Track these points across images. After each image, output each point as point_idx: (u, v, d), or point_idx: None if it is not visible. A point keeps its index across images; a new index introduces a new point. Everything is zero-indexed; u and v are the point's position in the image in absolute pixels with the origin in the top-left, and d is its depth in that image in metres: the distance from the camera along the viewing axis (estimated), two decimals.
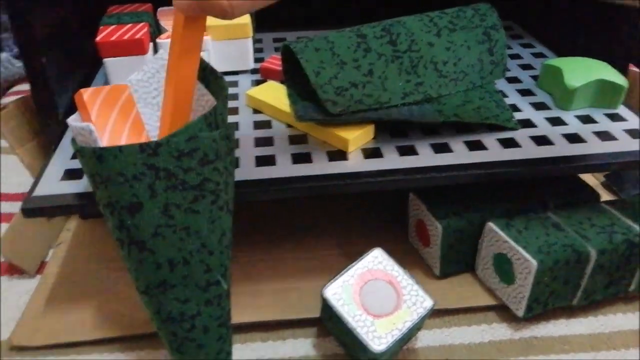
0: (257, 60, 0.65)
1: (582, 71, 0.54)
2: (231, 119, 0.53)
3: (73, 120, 0.36)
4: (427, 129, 0.51)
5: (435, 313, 0.49)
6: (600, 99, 0.55)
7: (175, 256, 0.35)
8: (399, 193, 0.53)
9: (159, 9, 0.61)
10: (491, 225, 0.49)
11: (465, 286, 0.52)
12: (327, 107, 0.47)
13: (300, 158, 0.47)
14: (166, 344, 0.38)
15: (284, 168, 0.45)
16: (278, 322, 0.49)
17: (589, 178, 0.68)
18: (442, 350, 0.47)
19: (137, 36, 0.53)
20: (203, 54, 0.58)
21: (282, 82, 0.56)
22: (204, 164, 0.34)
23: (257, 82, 0.60)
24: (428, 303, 0.43)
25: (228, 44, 0.59)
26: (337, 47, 0.48)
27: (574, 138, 0.50)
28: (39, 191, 0.43)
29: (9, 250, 0.54)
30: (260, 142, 0.49)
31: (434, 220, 0.50)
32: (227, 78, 0.61)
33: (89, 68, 0.62)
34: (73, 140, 0.36)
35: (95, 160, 0.32)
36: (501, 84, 0.60)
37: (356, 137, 0.47)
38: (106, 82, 0.57)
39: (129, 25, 0.56)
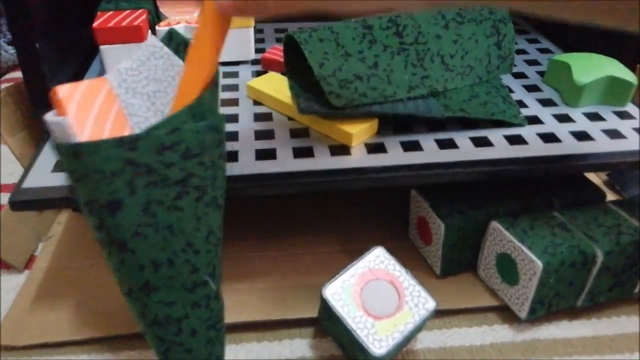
0: (258, 50, 0.63)
1: (591, 67, 0.53)
2: (231, 110, 0.51)
3: (50, 116, 0.35)
4: (432, 123, 0.50)
5: (435, 314, 0.48)
6: (609, 96, 0.53)
7: (159, 256, 0.33)
8: (400, 189, 0.52)
9: None
10: (495, 224, 0.48)
11: (466, 286, 0.51)
12: (330, 100, 0.45)
13: (302, 152, 0.45)
14: (153, 348, 0.36)
15: (285, 162, 0.44)
16: (274, 321, 0.48)
17: (591, 176, 0.67)
18: (442, 352, 0.46)
19: (136, 23, 0.52)
20: None
21: (283, 74, 0.55)
22: (187, 158, 0.32)
23: (258, 73, 0.58)
24: (430, 304, 0.42)
25: (229, 33, 0.57)
26: (342, 38, 0.47)
27: (581, 136, 0.49)
28: (29, 183, 0.41)
29: None
30: (261, 135, 0.48)
31: (437, 218, 0.49)
32: (227, 68, 0.59)
33: (85, 55, 0.60)
34: (52, 137, 0.34)
35: (71, 156, 0.30)
36: (507, 79, 0.59)
37: (359, 132, 0.46)
38: (102, 71, 0.55)
39: (128, 11, 0.54)
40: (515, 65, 0.61)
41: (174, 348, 0.35)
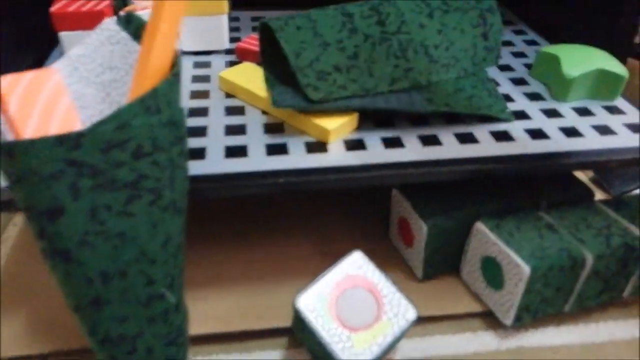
0: (233, 40, 0.60)
1: (581, 60, 0.51)
2: (200, 103, 0.48)
3: None
4: (415, 118, 0.47)
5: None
6: (599, 90, 0.51)
7: (109, 268, 0.30)
8: (381, 187, 0.49)
9: None
10: (480, 225, 0.46)
11: (449, 290, 0.49)
12: (307, 92, 0.43)
13: (276, 149, 0.42)
14: None
15: (257, 160, 0.41)
16: (244, 332, 0.44)
17: (577, 173, 0.65)
18: None
19: (98, 7, 0.48)
20: None
21: (259, 64, 0.51)
22: (139, 157, 0.29)
23: (232, 64, 0.55)
24: (411, 314, 0.39)
25: (200, 21, 0.54)
26: (320, 27, 0.44)
27: (570, 132, 0.47)
28: None
29: None
30: (232, 130, 0.44)
31: (419, 220, 0.46)
32: (199, 58, 0.56)
33: (46, 44, 0.56)
34: None
35: (6, 156, 0.27)
36: (492, 72, 0.56)
37: (338, 127, 0.43)
38: None
39: None
40: (501, 58, 0.59)
41: None
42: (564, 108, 0.50)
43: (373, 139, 0.44)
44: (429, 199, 0.48)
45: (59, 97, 0.34)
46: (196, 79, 0.52)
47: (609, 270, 0.44)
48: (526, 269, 0.41)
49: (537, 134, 0.46)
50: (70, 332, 0.43)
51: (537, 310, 0.45)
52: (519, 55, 0.61)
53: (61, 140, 0.27)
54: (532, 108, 0.50)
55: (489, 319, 0.47)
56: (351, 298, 0.39)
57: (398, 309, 0.39)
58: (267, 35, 0.45)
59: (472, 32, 0.49)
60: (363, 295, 0.39)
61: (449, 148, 0.43)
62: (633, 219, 0.47)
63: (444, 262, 0.49)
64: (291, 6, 0.69)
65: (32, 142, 0.26)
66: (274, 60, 0.46)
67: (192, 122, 0.45)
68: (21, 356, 0.42)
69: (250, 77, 0.49)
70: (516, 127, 0.47)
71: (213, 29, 0.55)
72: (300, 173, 0.40)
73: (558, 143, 0.45)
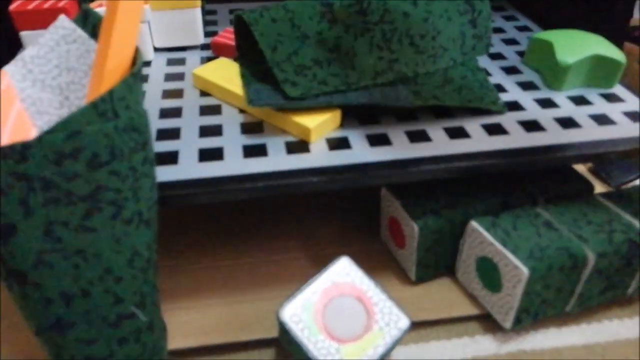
0: (209, 34, 0.57)
1: (576, 46, 0.48)
2: (173, 103, 0.45)
3: None
4: (401, 113, 0.45)
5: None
6: (595, 78, 0.49)
7: (70, 288, 0.27)
8: (370, 187, 0.47)
9: None
10: (474, 224, 0.43)
11: (444, 293, 0.47)
12: (285, 89, 0.40)
13: (254, 151, 0.40)
14: None
15: (234, 164, 0.38)
16: (227, 344, 0.42)
17: (574, 165, 0.63)
18: None
19: (60, 4, 0.46)
20: (141, 26, 0.50)
21: (235, 60, 0.49)
22: (95, 167, 0.26)
23: (209, 60, 0.52)
24: (403, 322, 0.37)
25: (172, 15, 0.51)
26: (298, 18, 0.42)
27: (567, 122, 0.44)
28: None
29: None
30: (207, 131, 0.42)
31: (409, 220, 0.44)
32: (172, 54, 0.53)
33: (7, 44, 0.53)
34: None
35: None
36: (483, 61, 0.54)
37: (319, 125, 0.40)
38: None
39: None
40: (492, 46, 0.56)
41: None
42: (560, 97, 0.48)
43: (357, 137, 0.41)
44: (420, 197, 0.45)
45: (10, 103, 0.31)
46: (169, 77, 0.49)
47: (611, 268, 0.42)
48: (524, 270, 0.39)
49: (531, 125, 0.44)
50: (36, 349, 0.41)
51: (538, 312, 0.42)
52: (511, 42, 0.58)
53: (6, 152, 0.24)
54: (526, 98, 0.48)
55: (487, 322, 0.45)
56: (339, 307, 0.37)
57: (389, 317, 0.37)
58: (242, 28, 0.43)
59: (459, 20, 0.46)
60: (351, 304, 0.37)
61: (439, 144, 0.41)
62: (635, 213, 0.44)
63: (438, 263, 0.47)
64: None
65: None
66: (250, 55, 0.44)
67: (164, 123, 0.42)
68: None
69: (226, 74, 0.46)
70: (509, 119, 0.44)
71: (186, 23, 0.52)
72: (281, 175, 0.38)
73: (554, 135, 0.43)
